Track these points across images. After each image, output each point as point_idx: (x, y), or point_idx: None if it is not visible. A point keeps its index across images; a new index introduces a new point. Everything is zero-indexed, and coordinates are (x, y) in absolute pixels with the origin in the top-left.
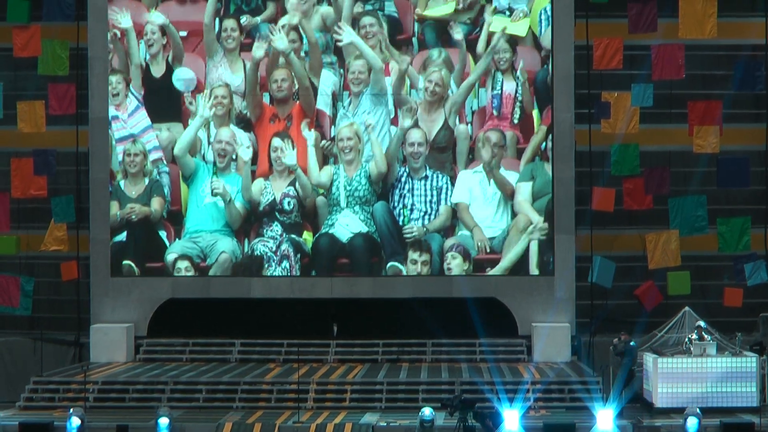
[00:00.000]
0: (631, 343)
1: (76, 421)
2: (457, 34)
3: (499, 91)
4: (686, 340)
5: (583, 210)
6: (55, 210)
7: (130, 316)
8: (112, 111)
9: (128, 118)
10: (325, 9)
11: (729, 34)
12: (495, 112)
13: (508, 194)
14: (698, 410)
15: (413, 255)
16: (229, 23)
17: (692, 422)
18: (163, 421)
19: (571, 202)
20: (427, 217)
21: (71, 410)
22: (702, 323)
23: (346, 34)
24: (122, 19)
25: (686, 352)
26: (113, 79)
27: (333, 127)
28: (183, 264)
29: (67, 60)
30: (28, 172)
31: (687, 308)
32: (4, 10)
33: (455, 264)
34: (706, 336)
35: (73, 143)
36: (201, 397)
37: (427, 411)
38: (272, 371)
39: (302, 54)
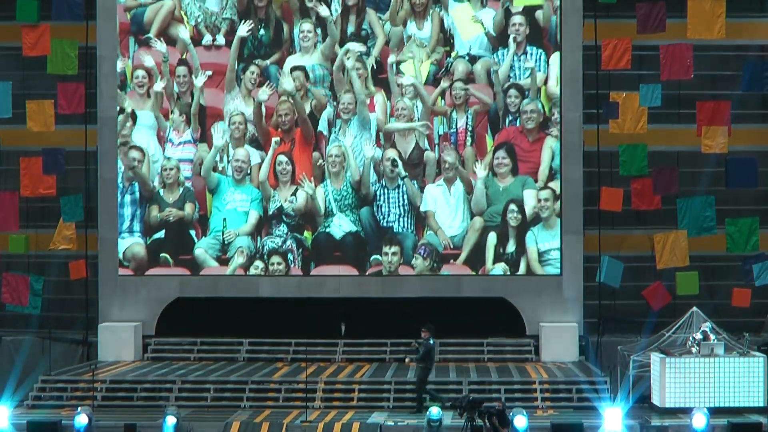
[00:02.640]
0: (430, 341)
1: (83, 420)
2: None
3: (455, 129)
4: (690, 339)
5: (592, 210)
6: (64, 209)
7: (138, 315)
8: (172, 134)
9: (178, 145)
10: (324, 45)
11: (737, 34)
12: (453, 144)
13: (469, 188)
14: (706, 410)
15: (386, 248)
16: (253, 68)
17: (700, 422)
18: (170, 420)
19: (580, 203)
20: (401, 219)
21: (79, 409)
22: (708, 326)
23: (346, 59)
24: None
25: (692, 352)
26: (176, 111)
27: (327, 147)
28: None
29: (76, 59)
30: (37, 171)
31: (695, 308)
32: (13, 9)
33: (418, 263)
34: (711, 335)
35: (81, 142)
36: (209, 396)
37: (434, 410)
38: (280, 370)
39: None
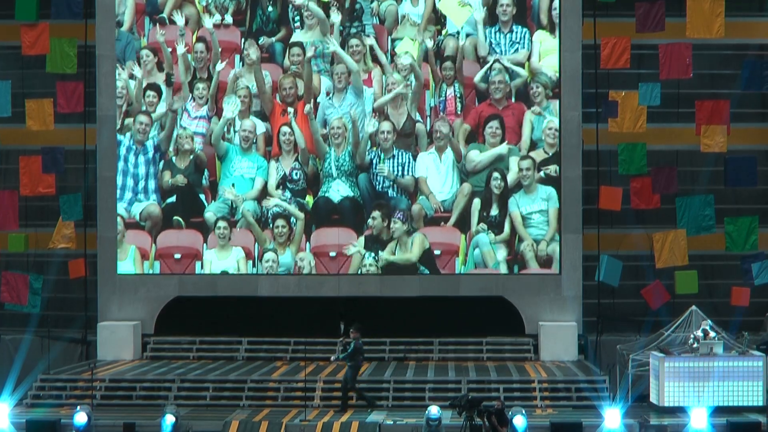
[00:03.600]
0: (359, 341)
1: (82, 419)
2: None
3: (444, 98)
4: (691, 338)
5: (591, 209)
6: (63, 208)
7: (137, 314)
8: (190, 105)
9: (194, 119)
10: (323, 22)
11: (736, 33)
12: (442, 113)
13: (458, 156)
14: (705, 409)
15: (374, 212)
16: (250, 43)
17: (699, 421)
18: (169, 419)
19: (579, 201)
20: (395, 185)
21: (78, 407)
22: (708, 324)
23: (332, 45)
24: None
25: (693, 351)
26: (200, 85)
27: (325, 116)
28: (221, 223)
29: (75, 58)
30: (37, 170)
31: (694, 307)
32: (12, 8)
33: (396, 227)
34: (711, 333)
35: (80, 141)
36: (208, 395)
37: (433, 409)
38: (279, 369)
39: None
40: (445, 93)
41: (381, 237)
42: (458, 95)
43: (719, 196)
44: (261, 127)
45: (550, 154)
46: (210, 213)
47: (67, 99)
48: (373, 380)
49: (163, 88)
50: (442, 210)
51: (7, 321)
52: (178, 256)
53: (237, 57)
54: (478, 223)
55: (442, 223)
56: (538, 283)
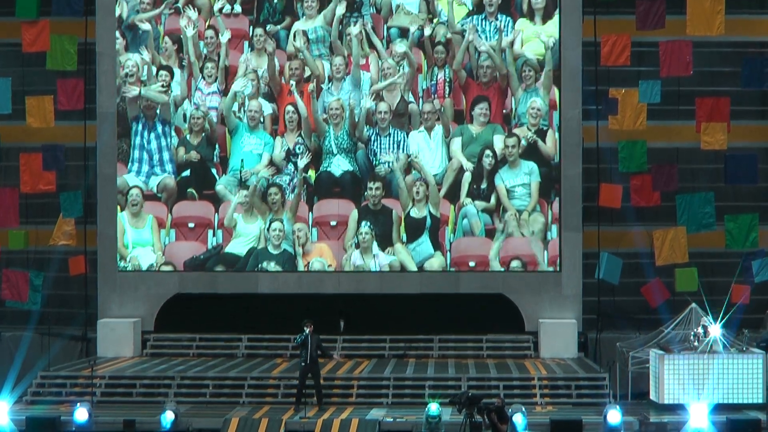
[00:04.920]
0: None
1: (83, 415)
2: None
3: (435, 81)
4: (692, 335)
5: (591, 206)
6: (63, 205)
7: (137, 311)
8: (201, 83)
9: (206, 96)
10: (327, 10)
11: (737, 31)
12: (434, 95)
13: (447, 132)
14: (705, 407)
15: (370, 184)
16: (259, 31)
17: (699, 419)
18: (168, 416)
19: (579, 199)
20: (390, 162)
21: (78, 404)
22: (707, 320)
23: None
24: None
25: (692, 348)
26: (209, 65)
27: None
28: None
29: (75, 55)
30: (37, 167)
31: (694, 305)
32: (12, 5)
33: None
34: (711, 330)
35: (81, 138)
36: (208, 392)
37: (433, 406)
38: (279, 366)
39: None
40: (437, 77)
41: (378, 207)
42: (447, 80)
43: (719, 194)
44: (268, 108)
45: (533, 131)
46: (221, 186)
47: (68, 96)
48: (373, 377)
49: (176, 70)
50: (434, 183)
51: (8, 318)
52: (191, 225)
53: (246, 43)
54: (467, 196)
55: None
56: (538, 280)
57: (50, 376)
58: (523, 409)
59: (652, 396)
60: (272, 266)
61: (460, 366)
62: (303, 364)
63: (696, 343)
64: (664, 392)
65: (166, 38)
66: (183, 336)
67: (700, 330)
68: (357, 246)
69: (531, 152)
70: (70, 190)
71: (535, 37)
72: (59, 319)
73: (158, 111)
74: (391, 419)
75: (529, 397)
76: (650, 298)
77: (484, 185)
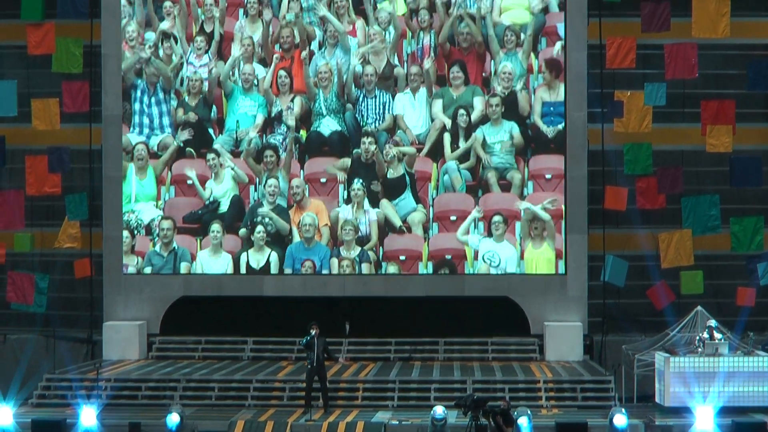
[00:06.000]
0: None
1: (88, 418)
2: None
3: (421, 45)
4: (697, 338)
5: (596, 209)
6: (69, 207)
7: (142, 314)
8: (192, 57)
9: (198, 67)
10: None
11: (742, 33)
12: (419, 58)
13: (430, 93)
14: (710, 410)
15: (364, 138)
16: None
17: (704, 422)
18: (174, 418)
19: (584, 201)
20: (376, 122)
21: (83, 407)
22: (713, 323)
23: (322, 10)
24: None
25: (698, 352)
26: (199, 38)
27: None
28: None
29: (80, 57)
30: (43, 170)
31: (699, 307)
32: (18, 7)
33: (391, 151)
34: (717, 335)
35: (86, 141)
36: (213, 395)
37: (439, 409)
38: (284, 369)
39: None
40: (422, 41)
41: (372, 161)
42: (432, 45)
43: (725, 196)
44: (261, 72)
45: (506, 94)
46: (218, 145)
47: (73, 98)
48: (379, 380)
49: (179, 35)
50: (417, 142)
51: (13, 320)
52: (189, 182)
53: (240, 11)
54: (452, 153)
55: (418, 154)
56: (544, 283)
57: (56, 379)
58: (529, 412)
59: (658, 399)
60: (266, 210)
61: (465, 369)
62: (309, 366)
63: (701, 349)
64: (670, 395)
65: (167, 2)
66: (188, 339)
67: (705, 335)
68: (347, 201)
69: (510, 112)
70: (75, 192)
71: (518, 6)
72: (64, 321)
73: (161, 79)
74: (397, 422)
75: (534, 400)
76: (656, 301)
77: (462, 143)
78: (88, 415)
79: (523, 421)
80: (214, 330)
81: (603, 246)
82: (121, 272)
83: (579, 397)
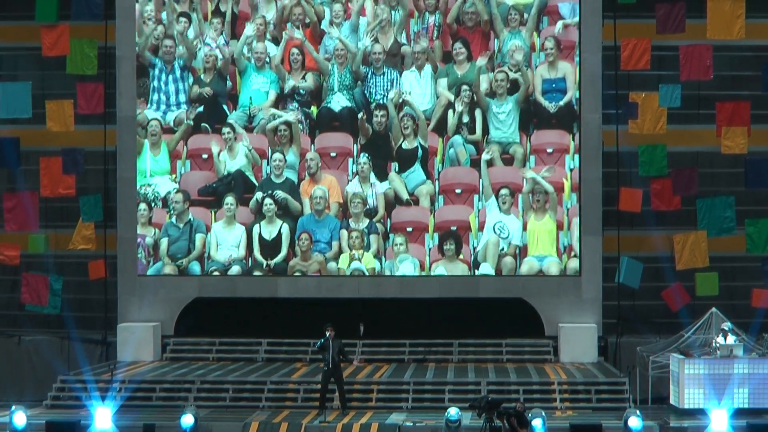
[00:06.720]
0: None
1: (103, 419)
2: None
3: (426, 25)
4: (714, 343)
5: (611, 210)
6: (83, 209)
7: (156, 316)
8: (209, 38)
9: (214, 48)
10: None
11: (757, 35)
12: (425, 35)
13: (435, 70)
14: (725, 411)
15: (376, 111)
16: None
17: (719, 423)
18: (188, 420)
19: (599, 203)
20: (384, 98)
21: (98, 409)
22: (727, 325)
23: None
24: None
25: (713, 353)
26: (215, 20)
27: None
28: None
29: (95, 59)
30: (57, 171)
31: (714, 309)
32: (32, 9)
33: (408, 124)
34: (731, 337)
35: (101, 142)
36: (227, 396)
37: (453, 411)
38: (299, 371)
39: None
40: (428, 20)
41: (385, 133)
42: (437, 24)
43: (740, 198)
44: (273, 49)
45: (514, 71)
46: (232, 120)
47: (87, 100)
48: (393, 381)
49: (194, 16)
50: (424, 118)
51: (28, 322)
52: (205, 156)
53: None
54: (455, 129)
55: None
56: (558, 284)
57: (70, 380)
58: (543, 413)
59: (673, 401)
60: (282, 194)
61: (480, 370)
62: (325, 368)
63: (717, 353)
64: (685, 397)
65: None
66: (202, 340)
67: (721, 338)
68: (355, 174)
69: (514, 89)
70: (89, 194)
71: None
72: (79, 323)
73: (177, 57)
74: (411, 424)
75: (549, 401)
76: (671, 303)
77: (466, 119)
78: (102, 416)
79: (537, 423)
80: (228, 331)
81: (618, 247)
82: (135, 274)
83: (593, 398)
